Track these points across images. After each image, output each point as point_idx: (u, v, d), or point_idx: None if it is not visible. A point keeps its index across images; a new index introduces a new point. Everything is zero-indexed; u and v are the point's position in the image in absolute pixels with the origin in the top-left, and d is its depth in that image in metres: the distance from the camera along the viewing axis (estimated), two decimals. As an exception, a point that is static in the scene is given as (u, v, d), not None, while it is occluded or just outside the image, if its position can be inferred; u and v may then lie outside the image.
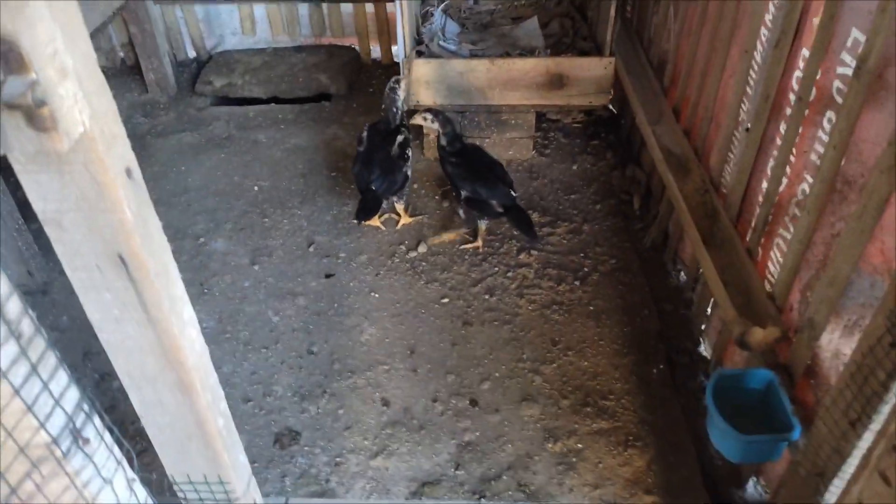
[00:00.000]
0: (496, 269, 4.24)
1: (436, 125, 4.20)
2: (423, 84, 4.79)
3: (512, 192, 4.08)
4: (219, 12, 6.32)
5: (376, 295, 4.13)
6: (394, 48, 6.32)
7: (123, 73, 6.39)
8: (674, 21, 4.20)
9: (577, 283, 4.13)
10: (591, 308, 3.98)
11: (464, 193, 4.12)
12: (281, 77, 5.99)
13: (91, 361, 3.82)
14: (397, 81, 4.27)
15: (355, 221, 4.44)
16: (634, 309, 3.95)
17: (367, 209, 4.19)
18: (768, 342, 2.78)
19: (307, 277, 4.27)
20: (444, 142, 4.21)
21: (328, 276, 4.28)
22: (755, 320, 2.81)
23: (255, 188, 4.97)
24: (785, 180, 2.85)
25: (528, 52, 4.98)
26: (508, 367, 3.67)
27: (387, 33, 6.19)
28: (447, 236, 4.41)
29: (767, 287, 2.93)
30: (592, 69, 4.67)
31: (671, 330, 3.81)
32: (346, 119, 5.65)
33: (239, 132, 5.56)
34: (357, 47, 6.35)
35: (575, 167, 5.00)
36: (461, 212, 4.35)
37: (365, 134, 4.35)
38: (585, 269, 4.22)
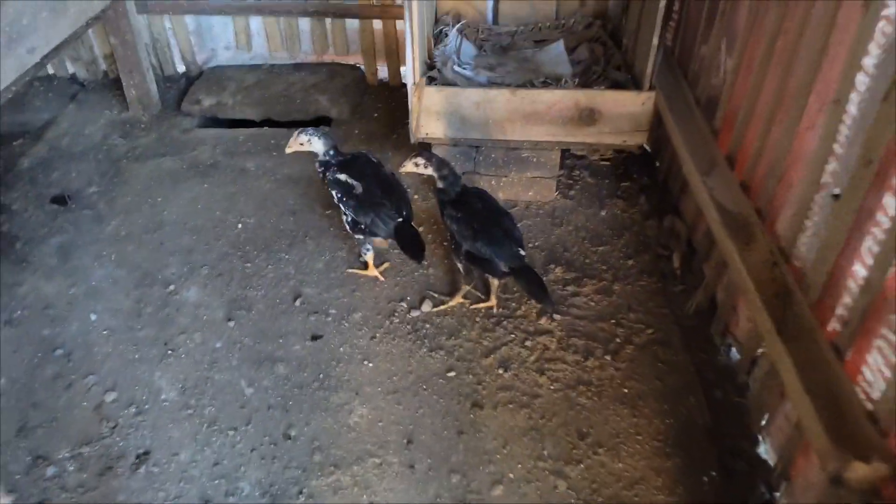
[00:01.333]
0: (512, 336, 3.60)
1: (429, 170, 3.55)
2: (433, 115, 4.18)
3: (521, 252, 3.42)
4: (211, 24, 5.74)
5: (370, 364, 3.50)
6: (403, 69, 5.70)
7: (105, 87, 5.81)
8: (726, 55, 3.57)
9: (607, 357, 3.48)
10: (626, 391, 3.33)
11: (464, 248, 3.48)
12: (276, 98, 5.39)
13: (26, 439, 3.19)
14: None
15: (416, 262, 3.75)
16: (678, 395, 3.30)
17: (419, 243, 3.62)
18: (873, 481, 2.12)
19: (290, 339, 3.64)
20: (442, 185, 3.57)
21: (315, 337, 3.65)
22: (853, 448, 2.16)
23: (239, 226, 4.35)
24: (893, 269, 2.20)
25: (553, 80, 4.37)
26: (526, 467, 3.03)
27: (396, 53, 5.58)
28: (453, 302, 3.77)
29: (866, 401, 2.28)
30: (629, 105, 4.05)
31: (723, 424, 3.16)
32: (347, 148, 5.02)
33: (225, 158, 4.96)
34: (362, 67, 5.74)
35: (603, 213, 4.36)
36: (460, 266, 3.69)
37: (347, 178, 3.77)
38: (618, 340, 3.57)
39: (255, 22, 5.66)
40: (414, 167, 3.56)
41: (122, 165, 4.93)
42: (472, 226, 3.42)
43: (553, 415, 3.23)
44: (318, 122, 5.32)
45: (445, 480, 2.99)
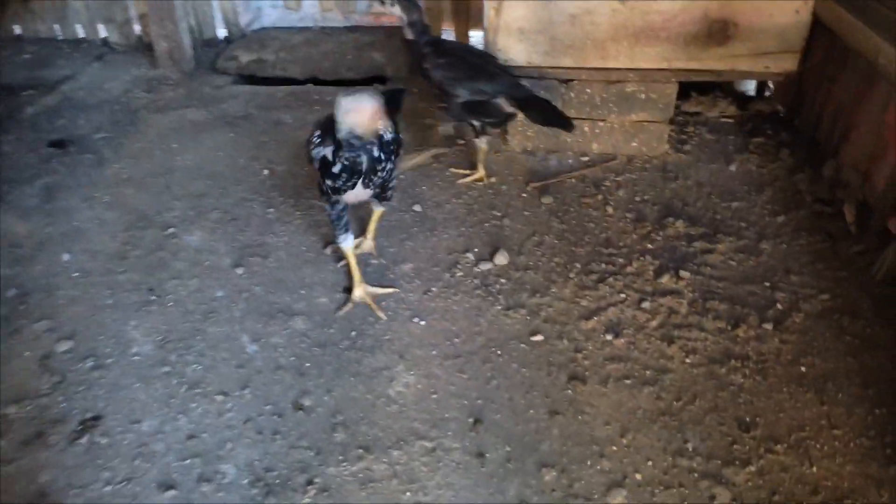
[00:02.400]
0: (622, 295, 2.56)
1: (396, 10, 3.09)
2: (514, 33, 3.28)
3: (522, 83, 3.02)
4: (257, -22, 5.04)
5: (422, 322, 2.49)
6: (473, 33, 4.86)
7: (138, 50, 5.10)
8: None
9: (766, 326, 2.40)
10: (803, 369, 2.23)
11: (462, 97, 3.01)
12: (324, 55, 4.59)
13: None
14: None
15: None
16: (886, 377, 2.18)
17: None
18: None
19: (316, 290, 2.67)
20: (412, 35, 3.13)
21: (348, 289, 2.67)
22: None
23: (265, 172, 3.47)
24: None
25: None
26: (660, 466, 1.94)
27: (465, 13, 4.76)
28: (417, 159, 3.32)
29: None
30: (777, 14, 3.08)
31: (968, 420, 2.02)
32: (405, 105, 4.14)
33: (259, 112, 4.13)
34: (426, 30, 4.92)
35: (733, 167, 3.33)
36: (451, 125, 3.44)
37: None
38: (779, 307, 2.49)
39: (307, -24, 4.94)
40: (380, 5, 3.16)
41: (139, 115, 4.14)
42: (463, 68, 3.02)
43: (694, 396, 2.15)
44: (371, 81, 4.47)
45: (533, 478, 1.92)
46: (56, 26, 5.25)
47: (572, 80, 3.40)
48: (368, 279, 2.68)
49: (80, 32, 5.29)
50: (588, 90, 3.41)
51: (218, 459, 2.02)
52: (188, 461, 2.01)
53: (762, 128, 3.65)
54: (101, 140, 3.86)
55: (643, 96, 3.37)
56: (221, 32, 5.24)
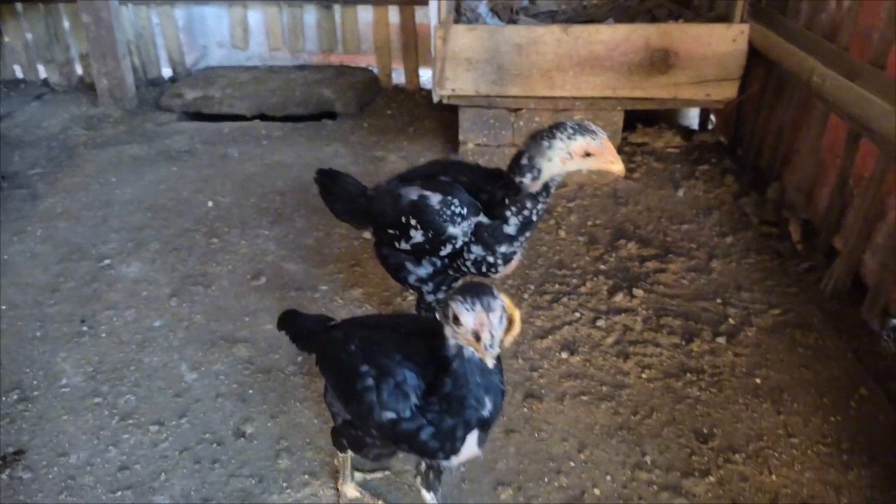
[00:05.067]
0: (577, 314, 2.52)
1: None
2: (462, 63, 3.30)
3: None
4: (203, 17, 5.03)
5: (372, 347, 2.39)
6: (423, 72, 4.91)
7: (79, 90, 4.99)
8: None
9: (720, 340, 2.38)
10: (758, 381, 2.20)
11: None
12: (272, 91, 4.56)
13: None
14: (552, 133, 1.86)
15: None
16: (839, 386, 2.17)
17: None
18: None
19: (260, 317, 2.56)
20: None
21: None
22: None
23: (209, 203, 3.37)
24: None
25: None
26: (618, 480, 1.87)
27: (414, 50, 4.82)
28: None
29: None
30: (715, 43, 3.17)
31: (921, 424, 2.01)
32: (354, 138, 4.13)
33: (204, 146, 4.05)
34: (375, 68, 4.96)
35: (680, 193, 3.37)
36: None
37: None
38: (731, 322, 2.48)
39: (255, 14, 4.95)
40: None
41: (76, 151, 4.01)
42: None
43: (651, 410, 2.10)
44: (320, 117, 4.45)
45: (490, 497, 1.83)
46: (-7, 66, 5.12)
47: (521, 110, 3.43)
48: (311, 307, 2.59)
49: (19, 73, 5.17)
50: (537, 118, 3.44)
51: (151, 491, 1.87)
52: (119, 493, 1.86)
53: (707, 156, 3.72)
54: (35, 176, 3.72)
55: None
56: (167, 72, 5.18)
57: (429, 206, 1.95)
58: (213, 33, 5.08)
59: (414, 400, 1.41)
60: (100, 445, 2.02)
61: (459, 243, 1.95)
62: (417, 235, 1.99)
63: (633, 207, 3.26)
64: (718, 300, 2.60)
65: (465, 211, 1.92)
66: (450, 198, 1.94)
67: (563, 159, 1.80)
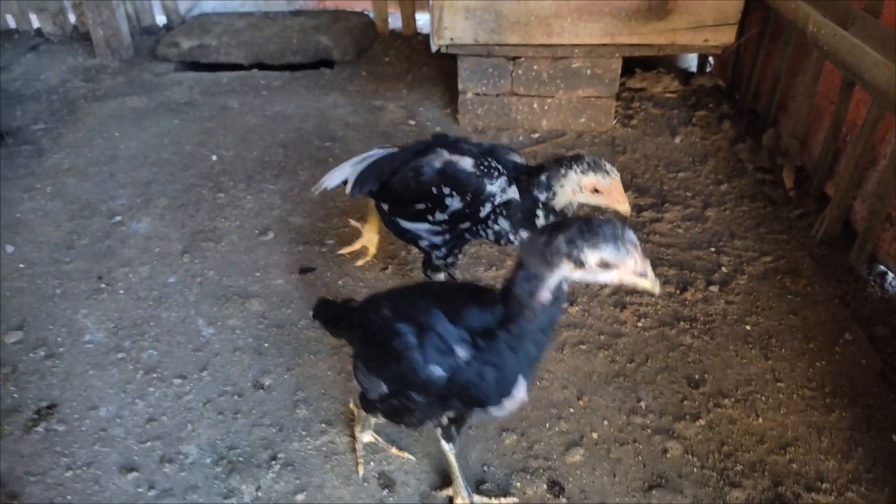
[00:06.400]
0: (575, 266, 2.61)
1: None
2: (459, 11, 3.29)
3: None
4: (196, -38, 4.94)
5: (379, 300, 2.50)
6: (420, 16, 4.87)
7: (74, 39, 4.94)
8: None
9: (712, 288, 2.49)
10: (748, 328, 2.32)
11: None
12: (268, 39, 4.53)
13: None
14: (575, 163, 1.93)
15: None
16: (825, 331, 2.29)
17: None
18: None
19: (271, 272, 2.66)
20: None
21: (304, 270, 2.66)
22: None
23: (213, 157, 3.42)
24: None
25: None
26: (615, 424, 2.00)
27: (410, -6, 4.75)
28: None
29: None
30: (713, -12, 3.16)
31: (900, 367, 2.14)
32: (353, 87, 4.14)
33: (204, 98, 4.06)
34: (371, 13, 4.91)
35: (677, 140, 3.42)
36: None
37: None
38: (724, 270, 2.58)
39: (248, -42, 4.87)
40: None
41: (78, 105, 4.02)
42: None
43: (647, 357, 2.22)
44: (318, 65, 4.44)
45: (495, 442, 1.96)
46: (-15, 16, 5.06)
47: (520, 58, 3.45)
48: (318, 261, 2.68)
49: (12, 23, 5.10)
50: (535, 67, 3.46)
51: (179, 441, 2.00)
52: (149, 444, 1.99)
53: (704, 101, 3.76)
54: (39, 131, 3.75)
55: (589, 72, 3.43)
56: (160, 19, 5.13)
57: (461, 171, 2.01)
58: (207, -21, 5.01)
59: (466, 350, 1.42)
60: (127, 399, 2.14)
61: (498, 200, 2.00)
62: (455, 202, 2.04)
63: (630, 156, 3.32)
64: (712, 248, 2.69)
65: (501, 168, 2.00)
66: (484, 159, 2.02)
67: (573, 190, 1.89)
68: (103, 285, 2.61)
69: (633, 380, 2.14)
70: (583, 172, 1.85)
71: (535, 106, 3.53)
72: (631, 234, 1.28)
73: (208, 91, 4.14)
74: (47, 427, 2.06)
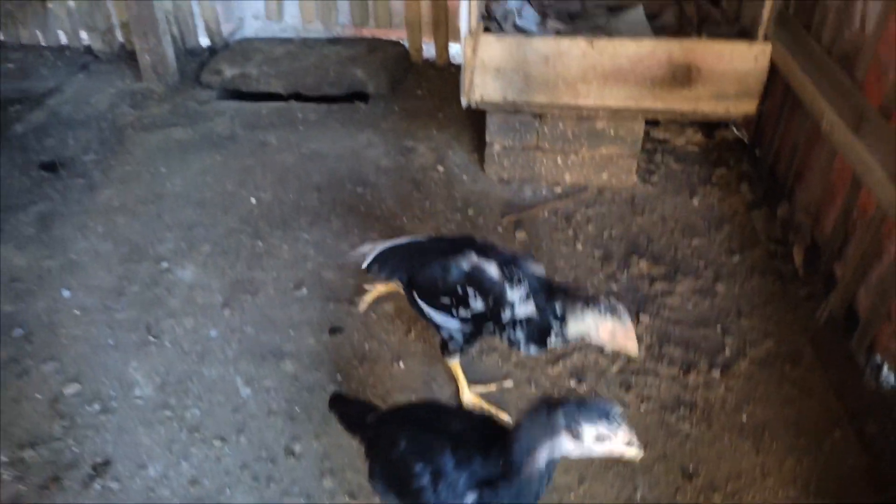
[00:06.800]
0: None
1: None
2: (490, 72, 3.44)
3: None
4: (239, -12, 5.12)
5: (402, 365, 2.71)
6: (453, 46, 5.00)
7: (121, 58, 5.17)
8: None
9: (714, 372, 2.65)
10: (744, 418, 2.49)
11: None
12: (306, 70, 4.71)
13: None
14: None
15: None
16: (817, 427, 2.45)
17: None
18: None
19: (303, 330, 2.87)
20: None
21: (334, 330, 2.88)
22: None
23: (253, 200, 3.63)
24: None
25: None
26: (612, 512, 2.19)
27: (444, 25, 4.90)
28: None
29: None
30: (737, 60, 3.26)
31: (884, 468, 2.29)
32: (386, 125, 4.31)
33: (244, 131, 4.26)
34: (406, 42, 5.05)
35: (695, 201, 3.55)
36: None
37: None
38: (727, 353, 2.73)
39: (289, -12, 5.03)
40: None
41: (126, 134, 4.26)
42: None
43: (646, 444, 2.40)
44: (352, 98, 4.62)
45: (501, 524, 2.16)
46: (38, 32, 5.30)
47: (546, 116, 3.59)
48: (347, 321, 2.89)
49: (63, 39, 5.34)
50: (560, 125, 3.60)
51: (218, 505, 2.24)
52: (191, 507, 2.24)
53: (725, 157, 3.88)
54: (90, 162, 3.99)
55: (612, 132, 3.57)
56: (204, 41, 5.32)
57: (488, 277, 2.17)
58: (249, 6, 5.20)
59: (473, 498, 1.60)
60: (173, 458, 2.38)
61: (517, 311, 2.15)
62: (478, 304, 2.21)
63: (648, 217, 3.46)
64: (719, 326, 2.84)
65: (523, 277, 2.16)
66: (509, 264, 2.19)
67: (587, 334, 2.07)
68: (151, 337, 2.85)
69: (632, 467, 2.32)
70: (601, 313, 2.01)
71: (558, 160, 3.68)
72: (617, 410, 1.46)
73: (248, 124, 4.34)
74: (103, 484, 2.31)
